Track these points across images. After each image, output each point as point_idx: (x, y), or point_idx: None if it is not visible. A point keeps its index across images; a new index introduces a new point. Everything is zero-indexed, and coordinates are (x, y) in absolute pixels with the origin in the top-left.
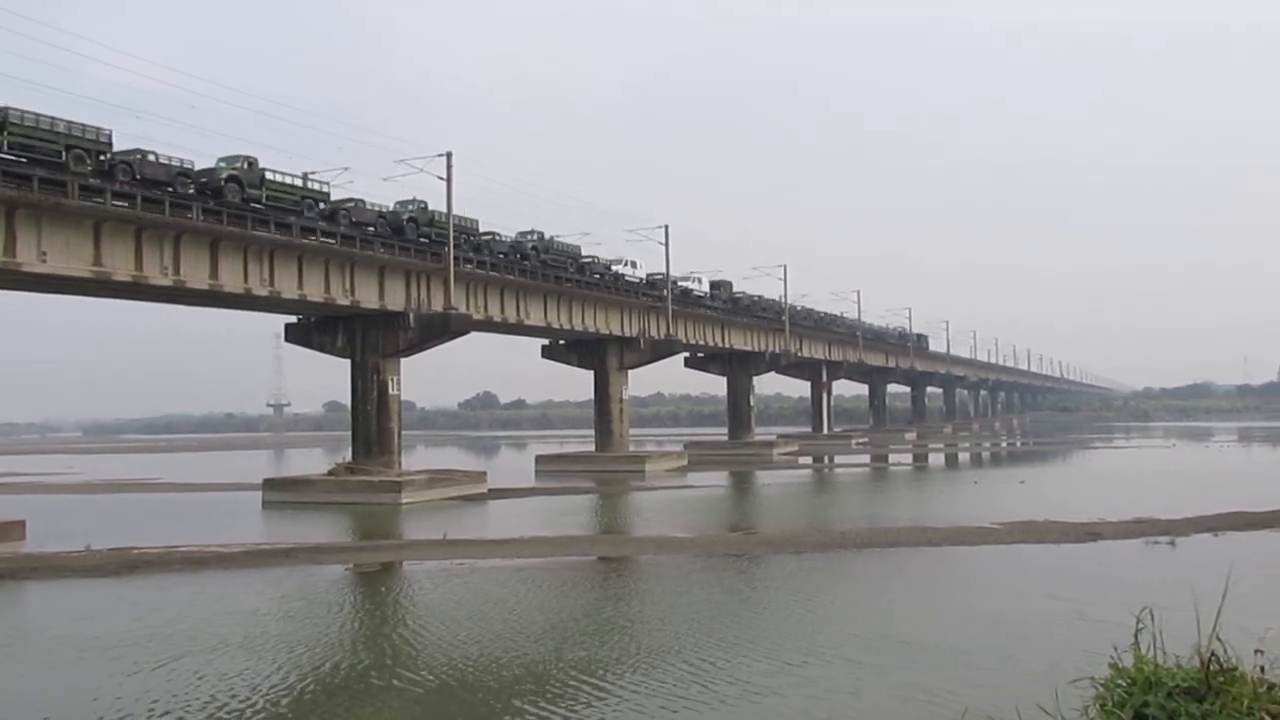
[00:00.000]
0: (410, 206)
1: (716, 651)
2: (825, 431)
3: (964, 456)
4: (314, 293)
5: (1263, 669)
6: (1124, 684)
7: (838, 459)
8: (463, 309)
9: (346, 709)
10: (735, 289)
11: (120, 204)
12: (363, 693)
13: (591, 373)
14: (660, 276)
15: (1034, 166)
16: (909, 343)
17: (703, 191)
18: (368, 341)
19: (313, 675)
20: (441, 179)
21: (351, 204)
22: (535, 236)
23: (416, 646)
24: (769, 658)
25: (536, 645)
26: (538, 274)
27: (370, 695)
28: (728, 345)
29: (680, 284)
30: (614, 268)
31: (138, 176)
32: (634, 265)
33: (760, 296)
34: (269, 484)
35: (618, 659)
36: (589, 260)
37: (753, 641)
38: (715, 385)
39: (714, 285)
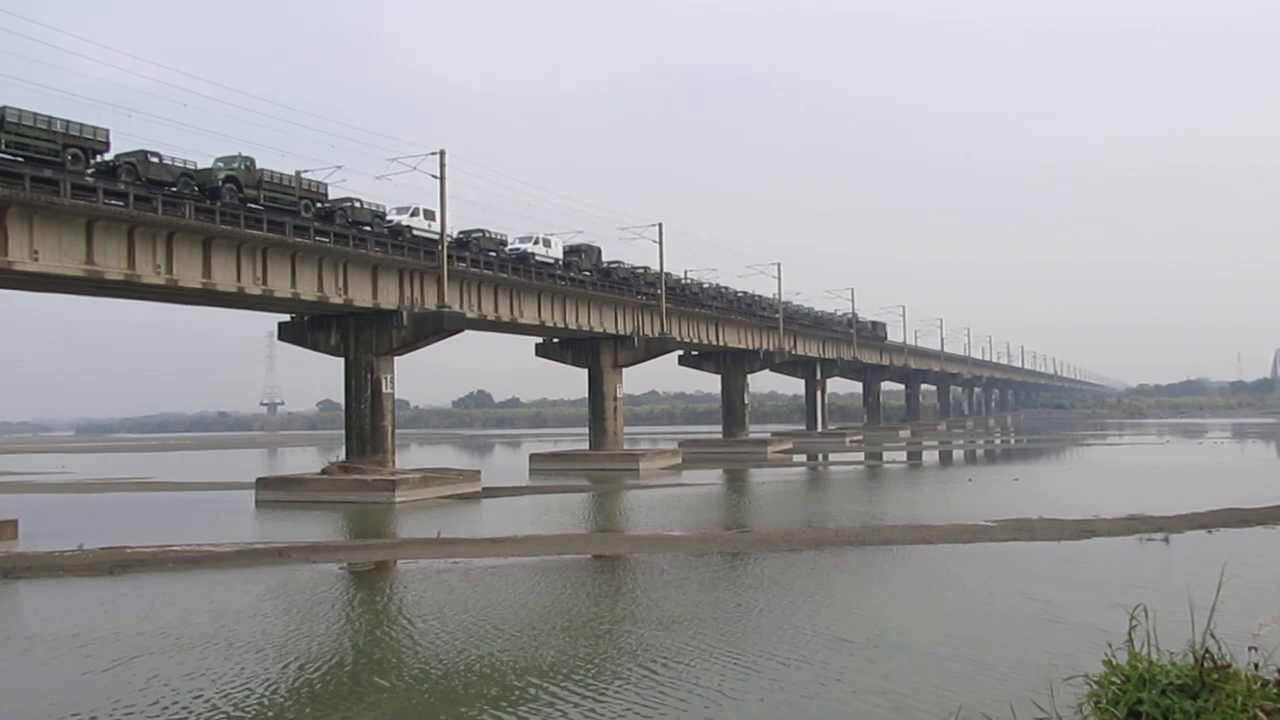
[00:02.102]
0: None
1: (689, 653)
2: (820, 429)
3: (958, 454)
4: (307, 291)
5: (1257, 666)
6: (1118, 681)
7: (832, 457)
8: (456, 307)
9: (300, 712)
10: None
11: (112, 202)
12: (321, 694)
13: (585, 371)
14: (481, 234)
15: (1032, 166)
16: (862, 332)
17: (701, 192)
18: (361, 340)
19: (278, 676)
20: (434, 177)
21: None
22: (240, 165)
23: (388, 648)
24: (739, 660)
25: (510, 645)
26: (530, 272)
27: (329, 698)
28: (722, 343)
29: (515, 247)
30: (394, 218)
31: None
32: (429, 216)
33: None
34: (263, 483)
35: (587, 659)
36: (344, 204)
37: (728, 643)
38: (710, 383)
39: (571, 250)
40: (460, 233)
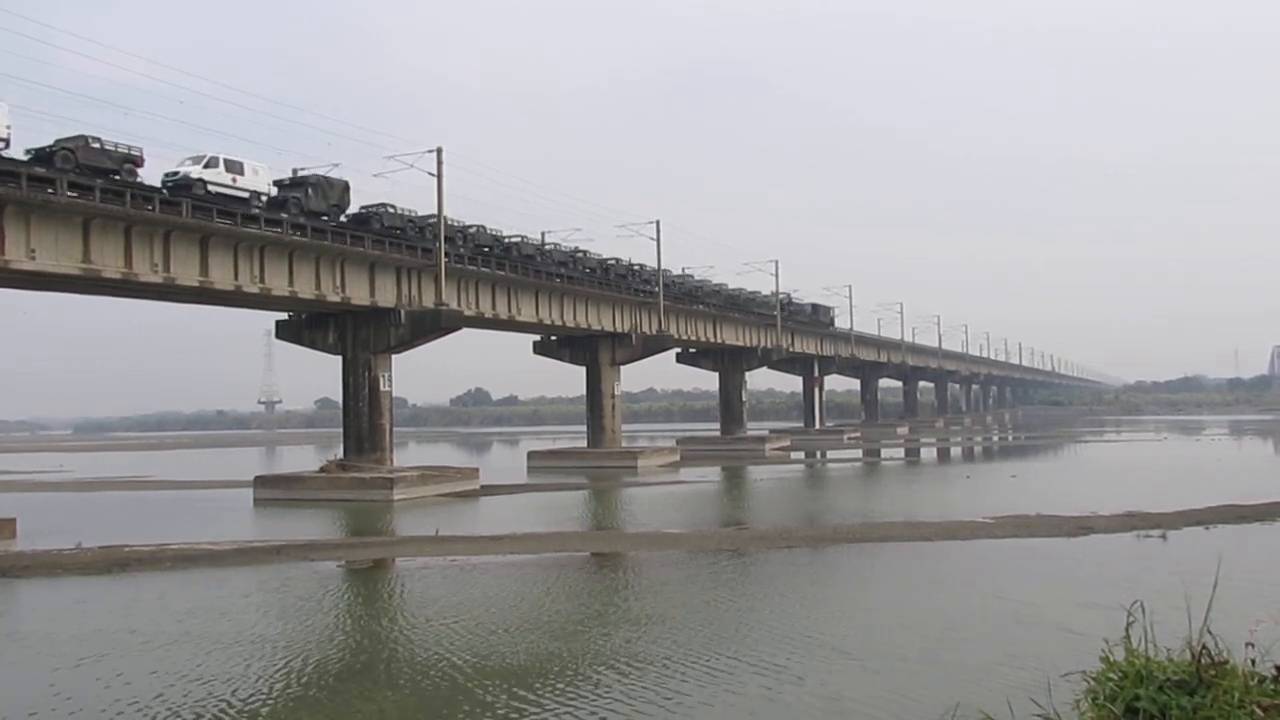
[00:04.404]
0: None
1: (663, 656)
2: (817, 427)
3: (956, 451)
4: (305, 289)
5: (1254, 662)
6: (1115, 677)
7: (830, 454)
8: (454, 305)
9: (258, 712)
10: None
11: (109, 201)
12: (284, 694)
13: (583, 368)
14: (74, 140)
15: (1032, 164)
16: (798, 316)
17: (701, 190)
18: (359, 338)
19: (241, 674)
20: (432, 175)
21: None
22: None
23: (358, 650)
24: (709, 663)
25: (485, 646)
26: (529, 270)
27: (292, 701)
28: (720, 340)
29: (178, 171)
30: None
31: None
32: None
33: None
34: (261, 481)
35: (559, 659)
36: None
37: (705, 645)
38: (707, 380)
39: (294, 183)
40: (57, 141)
